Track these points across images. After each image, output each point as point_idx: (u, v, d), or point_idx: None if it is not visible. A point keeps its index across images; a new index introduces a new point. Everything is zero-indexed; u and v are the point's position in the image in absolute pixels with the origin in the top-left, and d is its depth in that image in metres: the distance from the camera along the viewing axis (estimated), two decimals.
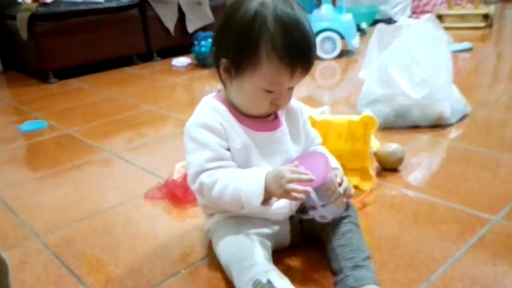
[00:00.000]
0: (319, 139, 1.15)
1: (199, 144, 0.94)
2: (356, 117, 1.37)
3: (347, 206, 1.01)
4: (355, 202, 1.23)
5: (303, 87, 2.60)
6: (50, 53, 3.04)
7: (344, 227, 0.97)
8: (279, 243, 1.03)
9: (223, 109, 0.96)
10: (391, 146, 1.46)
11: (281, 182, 0.87)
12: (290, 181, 0.87)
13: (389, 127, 1.79)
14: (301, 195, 0.86)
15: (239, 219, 0.98)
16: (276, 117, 1.02)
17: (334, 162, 1.07)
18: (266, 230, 0.99)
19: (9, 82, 3.40)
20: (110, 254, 1.12)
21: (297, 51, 0.87)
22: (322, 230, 1.00)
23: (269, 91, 0.91)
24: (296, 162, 0.92)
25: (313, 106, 1.89)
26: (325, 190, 0.93)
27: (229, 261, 0.91)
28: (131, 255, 1.11)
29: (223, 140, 0.94)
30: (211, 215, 1.04)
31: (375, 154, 1.34)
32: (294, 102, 1.05)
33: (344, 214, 0.99)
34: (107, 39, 3.24)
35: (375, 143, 1.60)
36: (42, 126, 2.17)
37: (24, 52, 3.26)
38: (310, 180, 0.87)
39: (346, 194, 0.98)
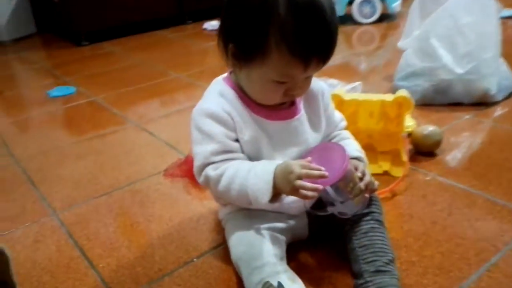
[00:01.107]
0: (343, 123, 1.05)
1: (204, 135, 0.86)
2: (390, 97, 1.26)
3: (370, 201, 0.92)
4: (384, 191, 1.14)
5: (338, 55, 2.46)
6: (82, 15, 3.00)
7: (366, 225, 0.89)
8: (296, 236, 0.96)
9: (232, 95, 0.88)
10: (428, 127, 1.34)
11: (290, 178, 0.79)
12: (299, 177, 0.79)
13: (427, 104, 1.66)
14: (311, 193, 0.78)
15: (252, 211, 0.91)
16: (292, 103, 0.92)
17: (358, 151, 0.98)
18: (280, 225, 0.92)
19: (43, 44, 3.41)
20: (124, 236, 1.09)
21: (312, 42, 0.76)
22: (342, 226, 0.92)
23: (281, 82, 0.82)
24: (309, 158, 0.83)
25: (346, 77, 1.79)
26: (343, 186, 0.85)
27: (238, 259, 0.85)
28: (145, 238, 1.07)
29: (230, 130, 0.86)
30: (224, 205, 0.98)
31: (409, 135, 1.23)
32: (315, 83, 0.94)
33: (366, 210, 0.91)
34: (139, 1, 3.16)
35: (411, 122, 1.48)
36: (71, 92, 2.16)
37: (57, 14, 3.24)
38: (322, 177, 0.79)
39: (368, 189, 0.89)
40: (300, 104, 0.93)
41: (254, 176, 0.82)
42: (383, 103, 1.26)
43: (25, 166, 1.47)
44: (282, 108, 0.90)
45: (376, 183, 0.93)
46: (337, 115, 1.04)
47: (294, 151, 0.91)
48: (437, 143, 1.33)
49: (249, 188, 0.82)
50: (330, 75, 1.63)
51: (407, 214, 1.08)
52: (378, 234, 0.88)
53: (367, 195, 0.89)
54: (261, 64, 0.80)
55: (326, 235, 0.98)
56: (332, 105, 1.01)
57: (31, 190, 1.33)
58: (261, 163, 0.85)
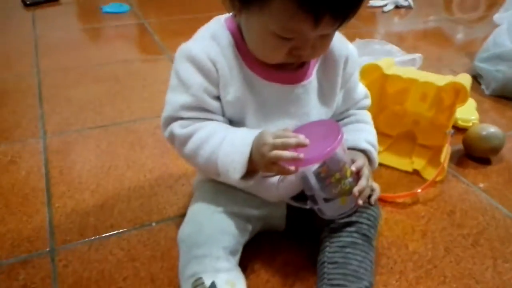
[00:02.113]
0: (365, 102, 0.83)
1: (180, 82, 0.69)
2: (446, 79, 1.00)
3: (362, 207, 0.72)
4: (403, 194, 0.93)
5: (427, 17, 2.13)
6: None
7: (347, 237, 0.70)
8: (269, 226, 0.80)
9: (226, 40, 0.68)
10: (488, 128, 1.07)
11: (263, 150, 0.63)
12: (274, 147, 0.62)
13: (506, 96, 1.35)
14: (290, 168, 0.62)
15: (220, 186, 0.75)
16: (303, 64, 0.72)
17: (367, 143, 0.76)
18: (251, 211, 0.75)
19: None
20: (95, 178, 0.98)
21: None
22: (319, 231, 0.74)
23: (285, 38, 0.62)
24: (289, 129, 0.66)
25: (424, 44, 1.51)
26: (326, 173, 0.65)
27: (181, 240, 0.70)
28: (114, 185, 0.96)
29: (211, 84, 0.69)
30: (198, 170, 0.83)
31: (452, 135, 0.97)
32: (339, 44, 0.73)
33: (353, 218, 0.71)
34: None
35: (473, 116, 1.20)
36: (124, 11, 2.06)
37: None
38: (301, 145, 0.61)
39: (360, 195, 0.69)
40: (314, 67, 0.73)
41: (228, 145, 0.66)
42: (440, 86, 1.00)
43: (42, 79, 1.41)
44: (288, 68, 0.70)
45: (377, 190, 0.73)
46: (361, 90, 0.82)
47: (287, 124, 0.72)
48: (495, 150, 1.06)
49: (220, 159, 0.66)
50: (401, 38, 1.36)
51: (419, 231, 0.86)
52: (357, 252, 0.68)
53: (360, 201, 0.69)
54: (260, 11, 0.61)
55: (306, 232, 0.80)
56: (356, 77, 0.79)
57: (34, 107, 1.26)
58: (240, 131, 0.68)
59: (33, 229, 0.85)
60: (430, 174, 1.00)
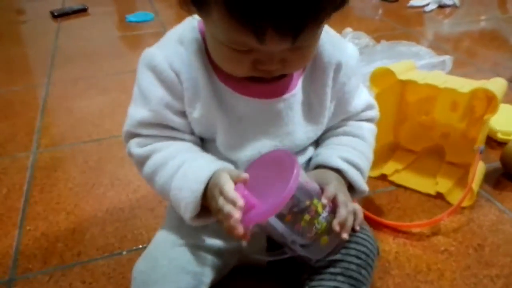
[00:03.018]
0: (368, 114, 0.69)
1: (140, 94, 0.60)
2: (474, 84, 0.83)
3: (354, 243, 0.58)
4: (421, 224, 0.78)
5: (483, 15, 1.92)
6: None
7: (329, 280, 0.56)
8: (247, 261, 0.67)
9: (195, 47, 0.57)
10: None
11: (214, 192, 0.53)
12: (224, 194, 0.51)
13: None
14: (236, 230, 0.50)
15: None
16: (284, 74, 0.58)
17: (343, 161, 0.62)
18: (224, 244, 0.63)
19: None
20: (74, 198, 0.90)
21: (258, 3, 0.43)
22: (301, 271, 0.61)
23: (240, 51, 0.50)
24: (246, 174, 0.53)
25: (483, 46, 1.33)
26: (293, 220, 0.52)
27: (133, 277, 0.59)
28: (92, 206, 0.87)
29: (174, 98, 0.58)
30: None
31: (482, 151, 0.80)
32: (330, 49, 0.60)
33: (338, 257, 0.57)
34: None
35: None
36: (148, 19, 2.01)
37: None
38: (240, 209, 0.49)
39: (342, 228, 0.55)
40: (299, 77, 0.61)
41: (181, 177, 0.57)
42: (473, 93, 0.84)
43: (50, 91, 1.37)
44: (266, 80, 0.56)
45: (359, 211, 0.58)
46: (360, 101, 0.68)
47: (266, 146, 0.60)
48: None
49: (172, 192, 0.57)
50: (446, 41, 1.19)
51: (436, 270, 0.70)
52: None
53: (345, 235, 0.55)
54: (207, 19, 0.51)
55: (292, 269, 0.67)
56: (353, 86, 0.65)
57: (35, 119, 1.21)
58: (201, 160, 0.58)
59: None
60: (456, 198, 0.83)
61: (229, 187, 0.51)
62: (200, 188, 0.55)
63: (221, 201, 0.51)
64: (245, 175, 0.52)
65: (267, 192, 0.51)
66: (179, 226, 0.63)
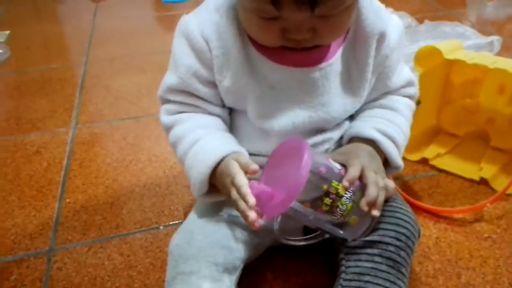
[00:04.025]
0: (407, 91, 0.66)
1: (172, 60, 0.61)
2: None
3: (394, 224, 0.56)
4: (464, 209, 0.75)
5: None
6: None
7: (366, 261, 0.55)
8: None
9: (230, 14, 0.56)
10: None
11: (225, 182, 0.55)
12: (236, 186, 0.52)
13: None
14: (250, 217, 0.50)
15: None
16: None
17: (377, 132, 0.60)
18: (260, 222, 0.62)
19: None
20: (113, 172, 0.91)
21: None
22: (336, 252, 0.59)
23: (268, 18, 0.49)
24: (256, 166, 0.53)
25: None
26: (313, 206, 0.51)
27: (170, 251, 0.60)
28: (130, 181, 0.88)
29: (203, 65, 0.58)
30: None
31: None
32: (373, 17, 0.57)
33: (375, 237, 0.55)
34: None
35: None
36: (185, 0, 2.01)
37: None
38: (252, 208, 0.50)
39: (373, 206, 0.53)
40: (339, 46, 0.59)
41: (192, 155, 0.58)
42: None
43: (88, 69, 1.38)
44: (299, 50, 0.55)
45: (391, 191, 0.56)
46: (401, 77, 0.65)
47: (301, 116, 0.59)
48: None
49: (184, 168, 0.59)
50: (495, 25, 1.12)
51: (478, 257, 0.68)
52: (379, 281, 0.53)
53: (375, 212, 0.53)
54: None
55: (328, 249, 0.66)
56: (395, 60, 0.62)
57: (73, 96, 1.23)
58: (216, 140, 0.58)
59: (38, 226, 0.79)
60: (501, 184, 0.80)
61: (240, 180, 0.51)
62: (207, 171, 0.56)
63: (234, 194, 0.52)
64: (255, 167, 0.52)
65: (283, 182, 0.50)
66: (215, 202, 0.63)
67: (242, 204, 0.50)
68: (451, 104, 0.93)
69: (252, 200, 0.49)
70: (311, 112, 0.59)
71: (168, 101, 0.62)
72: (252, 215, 0.49)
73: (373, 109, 0.64)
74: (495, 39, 1.05)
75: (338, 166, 0.53)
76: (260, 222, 0.50)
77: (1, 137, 1.06)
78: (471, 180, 0.84)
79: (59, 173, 0.92)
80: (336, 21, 0.50)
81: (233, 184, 0.52)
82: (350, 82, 0.60)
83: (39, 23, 1.85)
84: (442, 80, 0.90)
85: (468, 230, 0.73)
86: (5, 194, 0.87)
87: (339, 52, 0.59)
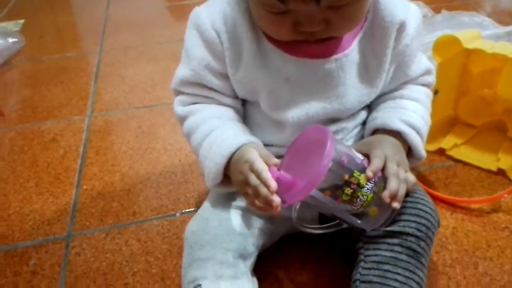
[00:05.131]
0: (426, 79, 0.66)
1: (185, 52, 0.61)
2: None
3: (414, 215, 0.56)
4: (482, 199, 0.75)
5: None
6: None
7: (386, 250, 0.55)
8: (298, 229, 0.67)
9: (242, 6, 0.56)
10: None
11: (238, 178, 0.55)
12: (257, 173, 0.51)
13: None
14: (270, 206, 0.50)
15: None
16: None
17: (403, 123, 0.60)
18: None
19: None
20: (129, 160, 0.92)
21: None
22: (355, 240, 0.59)
23: (278, 12, 0.49)
24: (276, 160, 0.53)
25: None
26: (333, 195, 0.51)
27: (186, 238, 0.60)
28: (146, 169, 0.89)
29: (215, 58, 0.58)
30: None
31: None
32: (391, 6, 0.57)
33: (396, 227, 0.55)
34: None
35: None
36: None
37: None
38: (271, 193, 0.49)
39: (394, 198, 0.52)
40: (355, 36, 0.58)
41: (207, 146, 0.58)
42: None
43: (102, 58, 1.39)
44: (318, 40, 0.54)
45: (412, 184, 0.56)
46: (420, 65, 0.65)
47: (315, 108, 0.58)
48: None
49: (199, 158, 0.60)
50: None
51: (496, 247, 0.68)
52: (399, 271, 0.53)
53: (395, 204, 0.53)
54: None
55: (344, 237, 0.66)
56: (415, 48, 0.62)
57: (88, 84, 1.24)
58: (230, 131, 0.58)
59: (56, 211, 0.80)
60: None
61: (260, 166, 0.51)
62: (222, 161, 0.56)
63: (253, 179, 0.51)
64: (276, 161, 0.52)
65: (304, 170, 0.50)
66: (227, 191, 0.63)
67: (263, 189, 0.50)
68: (468, 94, 0.92)
69: (274, 184, 0.49)
70: (326, 104, 0.59)
71: (181, 93, 0.62)
72: (277, 199, 0.49)
73: (395, 100, 0.63)
74: None
75: (360, 156, 0.53)
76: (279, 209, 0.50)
77: (18, 124, 1.07)
78: (489, 171, 0.83)
79: (76, 160, 0.93)
80: (348, 11, 0.50)
81: (252, 170, 0.51)
82: (367, 72, 0.59)
83: (53, 13, 1.86)
84: (460, 70, 0.89)
85: (486, 221, 0.73)
86: (23, 180, 0.89)
87: (356, 42, 0.58)
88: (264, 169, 0.50)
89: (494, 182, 0.80)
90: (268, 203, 0.49)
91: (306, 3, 0.46)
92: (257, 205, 0.52)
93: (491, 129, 0.92)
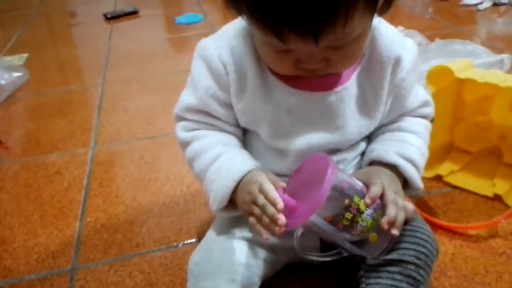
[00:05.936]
0: (423, 111, 0.68)
1: (191, 80, 0.64)
2: None
3: (414, 244, 0.57)
4: (479, 225, 0.77)
5: None
6: None
7: (386, 279, 0.56)
8: (300, 258, 0.67)
9: (248, 41, 0.58)
10: None
11: (246, 198, 0.56)
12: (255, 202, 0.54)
13: None
14: (275, 223, 0.51)
15: None
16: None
17: (398, 156, 0.61)
18: (273, 240, 0.62)
19: None
20: (132, 191, 0.94)
21: (276, 6, 0.44)
22: (356, 269, 0.61)
23: (281, 50, 0.51)
24: (283, 184, 0.56)
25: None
26: (334, 220, 0.52)
27: (189, 269, 0.61)
28: (149, 200, 0.91)
29: (220, 88, 0.60)
30: None
31: None
32: (388, 42, 0.60)
33: (395, 256, 0.57)
34: None
35: None
36: (197, 21, 2.05)
37: None
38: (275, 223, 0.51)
39: (393, 225, 0.54)
40: (353, 70, 0.61)
41: (215, 170, 0.60)
42: None
43: (105, 90, 1.42)
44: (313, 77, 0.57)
45: (410, 212, 0.57)
46: (417, 97, 0.67)
47: (316, 139, 0.60)
48: None
49: (205, 182, 0.61)
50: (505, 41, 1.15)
51: (494, 272, 0.69)
52: None
53: (395, 231, 0.54)
54: (245, 16, 0.51)
55: (345, 267, 0.67)
56: (411, 82, 0.64)
57: (91, 117, 1.26)
58: (238, 156, 0.61)
59: (60, 245, 0.82)
60: None
61: (269, 186, 0.53)
62: (232, 185, 0.58)
63: (261, 199, 0.53)
64: (282, 184, 0.55)
65: (306, 196, 0.52)
66: (234, 220, 0.65)
67: (270, 209, 0.51)
68: (463, 121, 0.95)
69: (281, 203, 0.51)
70: (327, 134, 0.61)
71: (184, 119, 0.64)
72: (282, 217, 0.50)
73: (394, 132, 0.65)
74: (505, 57, 1.07)
75: (360, 183, 0.55)
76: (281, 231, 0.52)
77: (23, 157, 1.09)
78: (485, 197, 0.84)
79: (80, 192, 0.95)
80: (347, 50, 0.52)
81: (261, 190, 0.53)
82: (366, 104, 0.62)
83: (56, 46, 1.91)
84: (454, 98, 0.92)
85: (483, 246, 0.74)
86: (27, 214, 0.90)
87: (354, 75, 0.61)
88: (272, 189, 0.53)
89: (491, 208, 0.82)
90: (274, 221, 0.51)
91: (306, 44, 0.48)
92: (262, 223, 0.53)
93: (486, 155, 0.94)
